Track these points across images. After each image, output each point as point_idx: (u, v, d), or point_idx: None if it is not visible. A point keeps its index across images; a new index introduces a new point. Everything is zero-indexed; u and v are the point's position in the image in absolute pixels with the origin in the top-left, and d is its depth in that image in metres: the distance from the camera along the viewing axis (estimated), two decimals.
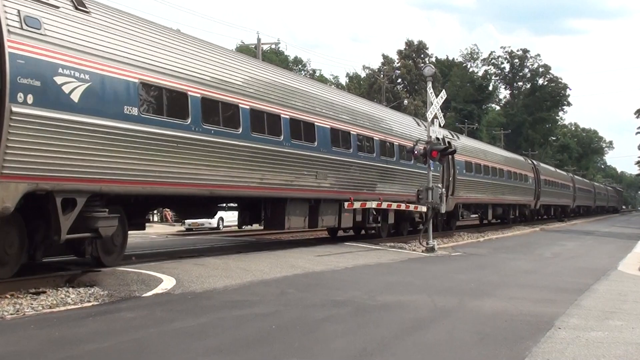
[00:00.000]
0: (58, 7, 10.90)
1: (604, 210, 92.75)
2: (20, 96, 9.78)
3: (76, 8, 11.33)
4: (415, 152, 20.48)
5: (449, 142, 26.85)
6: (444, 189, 22.62)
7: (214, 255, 15.03)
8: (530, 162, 47.84)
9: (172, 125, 12.97)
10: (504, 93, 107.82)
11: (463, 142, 32.42)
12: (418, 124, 27.33)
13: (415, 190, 21.47)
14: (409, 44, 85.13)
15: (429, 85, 20.94)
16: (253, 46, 49.66)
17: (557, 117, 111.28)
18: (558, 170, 62.20)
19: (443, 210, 21.09)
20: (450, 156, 25.31)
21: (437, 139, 24.32)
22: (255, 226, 21.14)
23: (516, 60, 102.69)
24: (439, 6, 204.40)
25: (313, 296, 10.17)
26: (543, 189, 47.32)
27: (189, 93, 13.52)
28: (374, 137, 22.13)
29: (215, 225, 31.52)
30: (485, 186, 33.92)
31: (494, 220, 38.36)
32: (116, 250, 12.92)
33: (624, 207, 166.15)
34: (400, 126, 25.39)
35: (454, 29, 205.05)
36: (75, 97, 10.73)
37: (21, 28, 9.95)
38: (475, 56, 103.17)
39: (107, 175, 11.46)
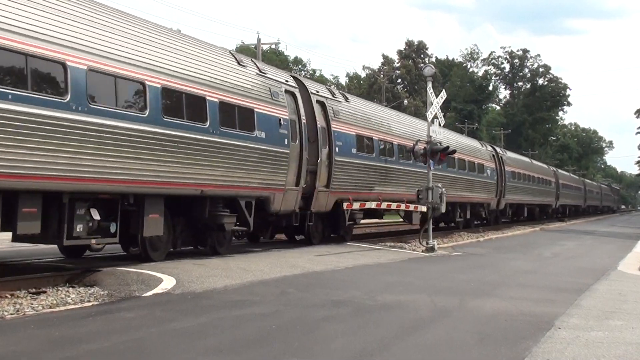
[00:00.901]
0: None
1: (596, 210, 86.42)
2: None
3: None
4: (415, 151, 20.41)
5: (320, 103, 18.66)
6: (301, 179, 16.78)
7: (213, 255, 15.01)
8: (490, 148, 37.29)
9: None
10: (504, 93, 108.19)
11: (355, 105, 21.77)
12: (239, 63, 15.84)
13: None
14: (409, 44, 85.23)
15: (429, 85, 20.91)
16: (253, 46, 49.67)
17: (557, 117, 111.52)
18: (535, 162, 52.25)
19: (443, 210, 20.81)
20: (325, 127, 18.49)
21: (289, 91, 17.17)
22: None
23: (516, 60, 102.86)
24: (438, 6, 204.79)
25: (313, 296, 10.17)
26: (509, 183, 37.69)
27: None
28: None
29: None
30: (397, 176, 22.74)
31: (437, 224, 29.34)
32: None
33: (623, 206, 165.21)
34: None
35: (453, 29, 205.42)
36: None
37: None
38: (475, 56, 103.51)
39: None
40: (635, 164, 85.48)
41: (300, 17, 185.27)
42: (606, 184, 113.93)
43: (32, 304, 9.12)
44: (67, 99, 10.60)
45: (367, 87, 78.72)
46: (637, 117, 73.99)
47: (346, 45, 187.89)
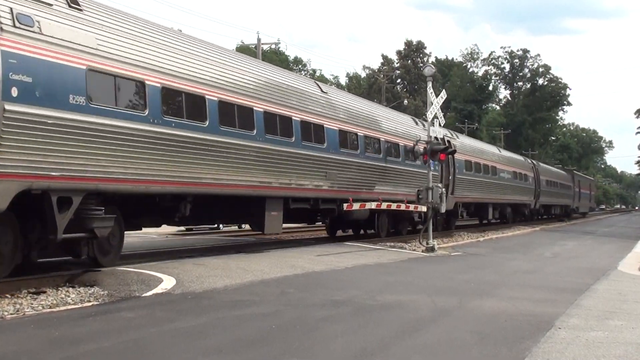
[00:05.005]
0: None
1: (518, 213, 43.16)
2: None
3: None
4: (415, 151, 20.43)
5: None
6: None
7: (214, 255, 15.02)
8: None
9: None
10: (504, 93, 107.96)
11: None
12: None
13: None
14: (408, 44, 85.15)
15: (429, 85, 20.92)
16: (253, 46, 49.64)
17: (557, 117, 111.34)
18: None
19: (443, 209, 21.01)
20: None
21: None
22: None
23: (516, 60, 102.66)
24: (436, 6, 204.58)
25: (313, 296, 10.17)
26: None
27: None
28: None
29: (215, 225, 31.46)
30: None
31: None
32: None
33: (622, 206, 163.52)
34: None
35: (450, 28, 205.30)
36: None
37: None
38: (475, 56, 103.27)
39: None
40: (635, 163, 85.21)
41: (296, 17, 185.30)
42: (566, 169, 68.88)
43: (32, 304, 9.12)
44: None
45: (367, 87, 78.69)
46: (637, 117, 73.76)
47: (343, 45, 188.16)
